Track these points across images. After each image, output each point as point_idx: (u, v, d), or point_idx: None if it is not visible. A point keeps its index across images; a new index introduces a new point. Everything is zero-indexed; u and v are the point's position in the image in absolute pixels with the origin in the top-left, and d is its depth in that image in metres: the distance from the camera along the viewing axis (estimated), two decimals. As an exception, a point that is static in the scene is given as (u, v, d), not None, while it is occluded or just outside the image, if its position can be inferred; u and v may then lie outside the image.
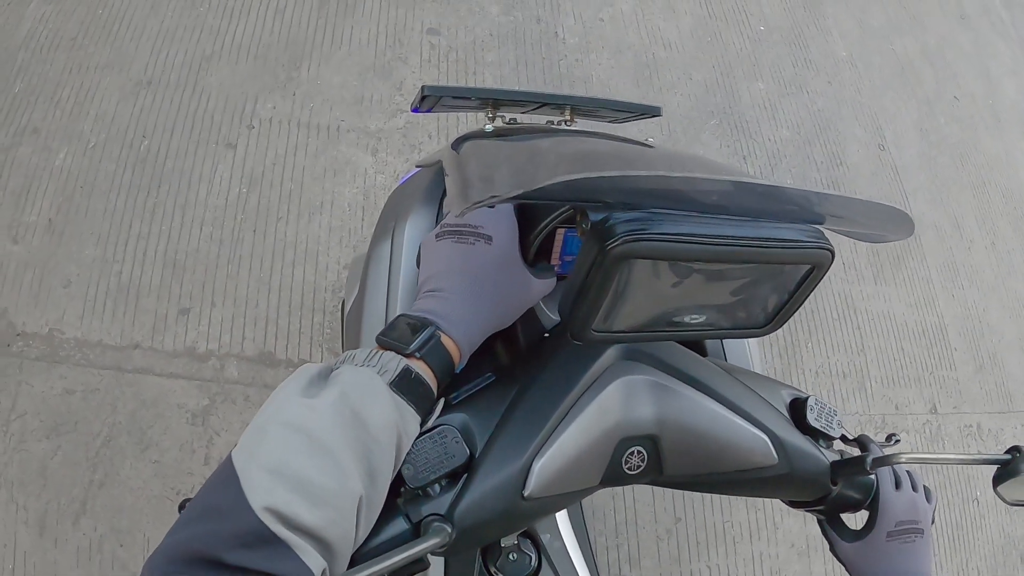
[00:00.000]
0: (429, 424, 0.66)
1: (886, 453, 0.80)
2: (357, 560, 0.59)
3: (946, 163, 2.98)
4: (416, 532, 0.62)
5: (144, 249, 2.02)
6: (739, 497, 2.04)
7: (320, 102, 2.33)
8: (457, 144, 0.78)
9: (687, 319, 0.67)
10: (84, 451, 1.78)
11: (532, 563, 0.92)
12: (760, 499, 2.08)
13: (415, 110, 0.85)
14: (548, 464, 0.68)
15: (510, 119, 0.86)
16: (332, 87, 2.36)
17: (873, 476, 0.85)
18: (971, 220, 2.88)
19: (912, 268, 2.67)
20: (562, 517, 0.99)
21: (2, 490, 1.71)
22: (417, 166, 0.88)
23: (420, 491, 0.64)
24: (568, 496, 0.73)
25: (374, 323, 0.79)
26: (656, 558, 1.96)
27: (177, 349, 1.92)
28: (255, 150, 2.21)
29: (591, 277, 0.59)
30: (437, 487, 0.65)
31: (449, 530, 0.59)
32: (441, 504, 0.64)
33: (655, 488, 2.01)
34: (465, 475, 0.66)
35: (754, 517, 2.08)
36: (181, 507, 0.68)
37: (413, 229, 0.80)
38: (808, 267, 0.65)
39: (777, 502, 2.02)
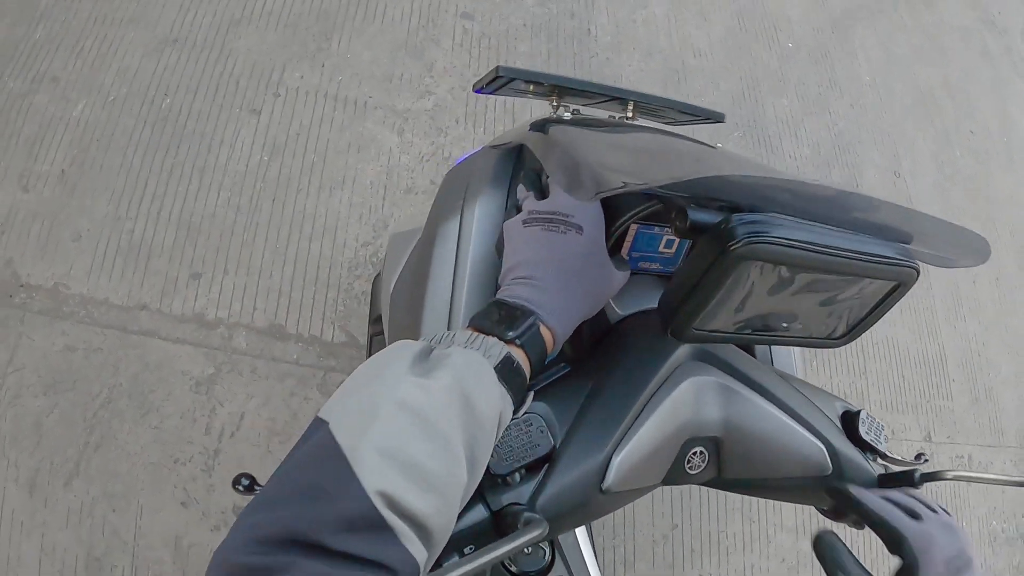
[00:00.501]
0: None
1: (936, 470, 0.81)
2: None
3: (958, 195, 3.00)
4: (495, 520, 0.62)
5: (159, 209, 1.99)
6: (736, 508, 2.06)
7: (349, 76, 2.30)
8: (541, 127, 0.77)
9: (776, 325, 0.69)
10: (82, 411, 1.74)
11: (546, 557, 0.91)
12: (755, 512, 2.10)
13: (478, 91, 0.84)
14: (626, 459, 0.68)
15: (573, 109, 0.86)
16: (362, 62, 2.33)
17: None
18: (978, 255, 2.88)
19: (918, 297, 2.68)
20: None
21: (-7, 444, 1.68)
22: (491, 146, 0.86)
23: (501, 479, 0.63)
24: (634, 492, 0.74)
25: (437, 303, 0.78)
26: (651, 562, 1.96)
27: (185, 314, 1.88)
28: (279, 119, 2.17)
29: (706, 276, 0.60)
30: (518, 476, 0.64)
31: (543, 528, 0.57)
32: (522, 494, 0.64)
33: (653, 493, 2.01)
34: (546, 466, 0.66)
35: (748, 529, 2.08)
36: (237, 483, 0.65)
37: (483, 210, 0.78)
38: (894, 284, 0.67)
39: (772, 517, 2.05)
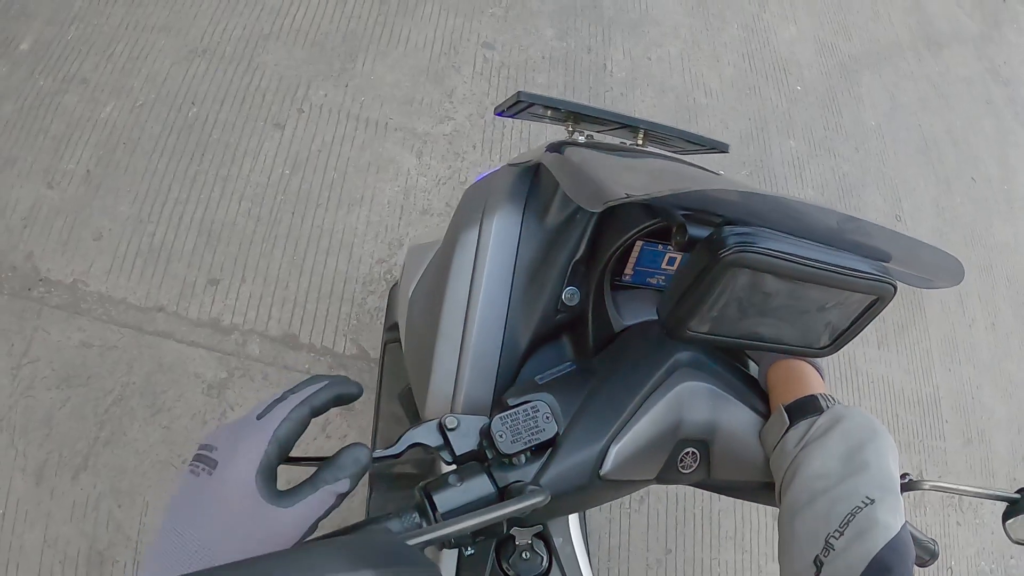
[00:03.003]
0: (523, 398, 0.72)
1: (914, 480, 0.86)
2: (449, 516, 0.63)
3: (958, 241, 3.05)
4: (500, 496, 0.66)
5: (180, 214, 2.03)
6: (729, 536, 2.09)
7: (371, 97, 2.35)
8: (558, 148, 0.83)
9: (764, 331, 0.74)
10: (93, 407, 1.77)
11: (543, 564, 0.96)
12: (748, 541, 2.13)
13: (499, 113, 0.90)
14: (623, 448, 0.74)
15: (587, 135, 0.92)
16: (385, 84, 2.39)
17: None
18: (975, 299, 2.94)
19: (914, 338, 2.72)
20: (573, 523, 1.04)
21: (3, 433, 1.71)
22: (510, 164, 0.92)
23: (508, 459, 0.68)
24: (630, 485, 0.80)
25: (454, 308, 0.83)
26: (644, 586, 1.99)
27: (201, 318, 1.93)
28: (302, 134, 2.23)
29: (698, 281, 0.66)
30: (523, 457, 0.69)
31: (544, 495, 0.63)
32: (526, 473, 0.69)
33: (650, 516, 2.04)
34: (550, 449, 0.71)
35: (740, 558, 2.11)
36: None
37: (501, 223, 0.83)
38: (873, 299, 0.73)
39: (764, 547, 2.08)
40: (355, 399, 0.66)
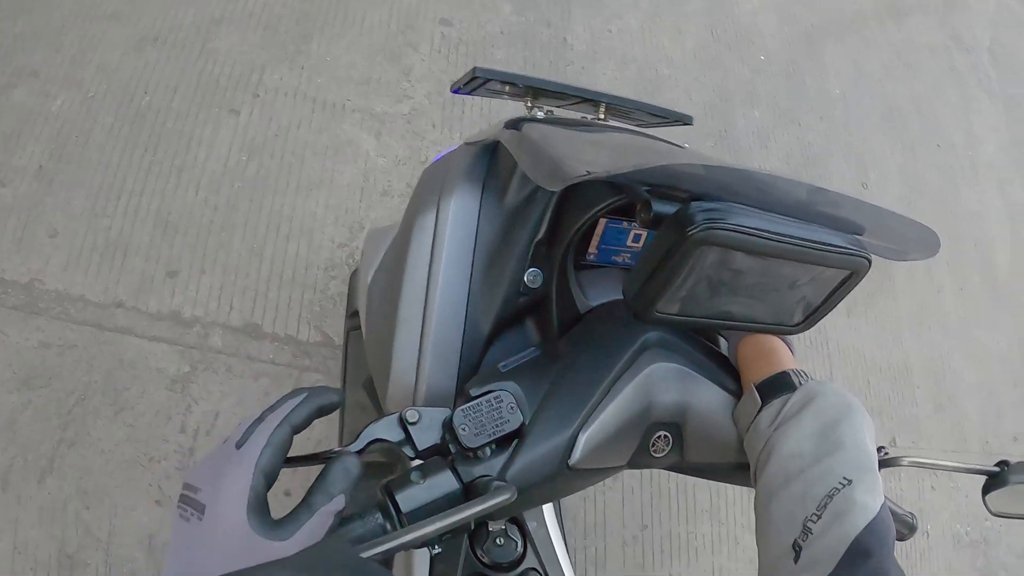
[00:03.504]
0: (486, 388, 0.70)
1: (891, 455, 0.85)
2: (413, 516, 0.60)
3: (924, 208, 3.06)
4: (466, 492, 0.64)
5: (136, 206, 1.99)
6: (705, 510, 2.09)
7: (327, 79, 2.32)
8: (515, 125, 0.80)
9: (735, 310, 0.72)
10: (56, 408, 1.73)
11: (518, 549, 0.94)
12: (723, 514, 2.14)
13: (456, 91, 0.87)
14: (592, 436, 0.72)
15: (547, 110, 0.90)
16: (341, 65, 2.35)
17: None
18: (943, 266, 2.95)
19: (884, 306, 2.73)
20: (547, 507, 1.02)
21: (-35, 439, 1.67)
22: (467, 143, 0.89)
23: (472, 453, 0.66)
24: (601, 472, 0.78)
25: (413, 295, 0.80)
26: (621, 563, 1.98)
27: (161, 312, 1.89)
28: (258, 119, 2.19)
29: (666, 260, 0.63)
30: (488, 450, 0.67)
31: (511, 493, 0.61)
32: (492, 467, 0.67)
33: (624, 493, 2.04)
34: (516, 440, 0.69)
35: (716, 530, 2.11)
36: None
37: (459, 205, 0.80)
38: (847, 273, 0.71)
39: (740, 518, 2.08)
40: (336, 408, 0.63)
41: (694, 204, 0.62)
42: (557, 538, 1.00)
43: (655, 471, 2.06)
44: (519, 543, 0.94)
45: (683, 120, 0.99)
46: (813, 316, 0.76)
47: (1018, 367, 2.91)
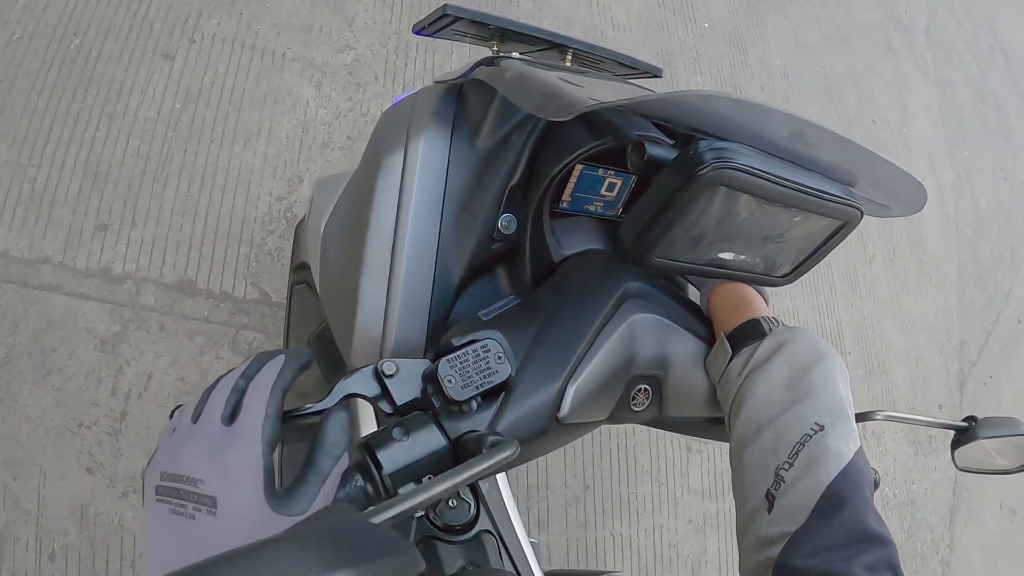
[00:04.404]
0: (470, 337, 0.66)
1: (866, 410, 0.85)
2: (397, 477, 0.57)
3: (859, 181, 3.12)
4: (453, 449, 0.61)
5: (63, 156, 1.89)
6: (646, 471, 2.11)
7: (267, 26, 2.23)
8: (492, 62, 0.78)
9: (729, 258, 0.72)
10: (-23, 372, 1.65)
11: (471, 511, 0.90)
12: (664, 475, 2.16)
13: (418, 32, 0.84)
14: (580, 388, 0.70)
15: (513, 56, 0.87)
16: (281, 12, 2.26)
17: None
18: (874, 236, 3.02)
19: (817, 273, 2.77)
20: None
21: None
22: (436, 81, 0.86)
23: (458, 407, 0.63)
24: (583, 427, 0.75)
25: (379, 239, 0.77)
26: (564, 523, 1.99)
27: (91, 268, 1.81)
28: (194, 66, 2.10)
29: (672, 202, 0.62)
30: (475, 403, 0.64)
31: (515, 447, 0.57)
32: (479, 421, 0.64)
33: (567, 454, 2.04)
34: (504, 393, 0.66)
35: (657, 491, 2.14)
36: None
37: (428, 146, 0.77)
38: (839, 224, 0.71)
39: (680, 479, 2.11)
40: (309, 366, 0.60)
41: (702, 143, 0.61)
42: (509, 499, 0.97)
43: (599, 429, 2.09)
44: (472, 505, 0.90)
45: (652, 72, 0.98)
46: (800, 268, 0.77)
47: (943, 336, 3.01)
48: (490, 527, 0.90)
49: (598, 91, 0.65)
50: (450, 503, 0.89)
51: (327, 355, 1.17)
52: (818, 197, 0.66)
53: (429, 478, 0.58)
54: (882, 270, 2.98)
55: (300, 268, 1.33)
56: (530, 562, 0.90)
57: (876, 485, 0.96)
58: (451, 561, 0.85)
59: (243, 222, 1.96)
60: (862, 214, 0.70)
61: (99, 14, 2.08)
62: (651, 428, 2.06)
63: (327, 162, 2.10)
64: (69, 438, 1.65)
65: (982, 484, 2.80)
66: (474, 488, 0.93)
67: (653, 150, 0.61)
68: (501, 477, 0.99)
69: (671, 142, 0.64)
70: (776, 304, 2.60)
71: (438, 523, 0.87)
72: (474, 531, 0.89)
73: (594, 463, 2.08)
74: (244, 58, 2.17)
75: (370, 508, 0.45)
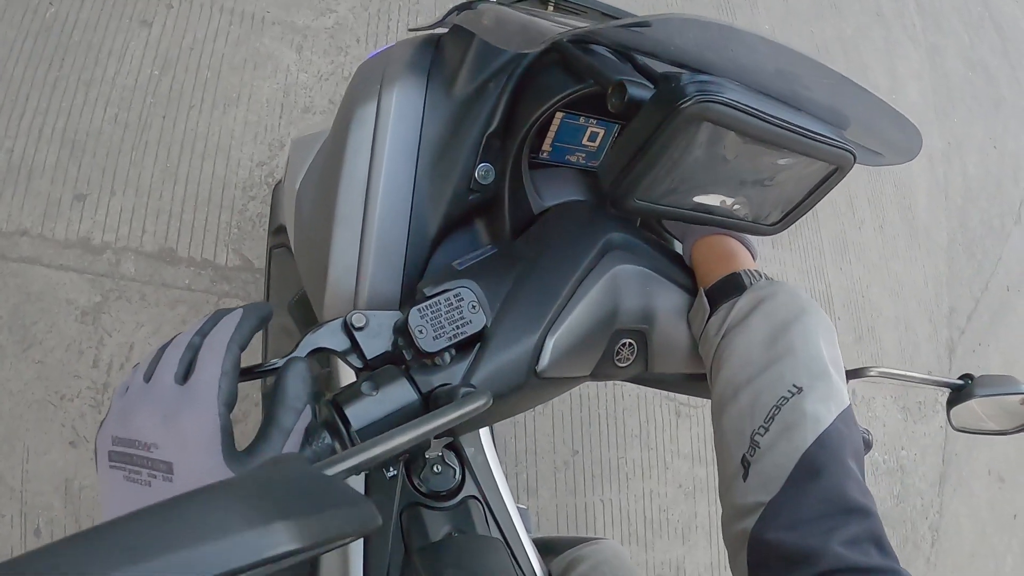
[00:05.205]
0: (443, 287, 0.64)
1: (859, 366, 0.83)
2: (366, 434, 0.55)
3: (848, 147, 3.10)
4: (425, 404, 0.59)
5: (40, 126, 1.87)
6: (635, 435, 2.11)
7: (246, -10, 2.20)
8: (468, 6, 0.76)
9: (715, 203, 0.69)
10: (-43, 350, 1.63)
11: (456, 476, 0.90)
12: (653, 439, 2.16)
13: None
14: (560, 341, 0.68)
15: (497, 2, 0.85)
16: (261, -24, 2.23)
17: None
18: (864, 202, 3.02)
19: (807, 238, 2.78)
20: (484, 433, 0.97)
21: None
22: (410, 30, 0.84)
23: (430, 359, 0.61)
24: (565, 382, 0.74)
25: (352, 190, 0.74)
26: (553, 488, 1.99)
27: (69, 239, 1.79)
28: (172, 31, 2.06)
29: (653, 139, 0.59)
30: (447, 356, 0.62)
31: (487, 397, 0.55)
32: (453, 375, 0.62)
33: (555, 419, 2.04)
34: (478, 344, 0.64)
35: (646, 456, 2.13)
36: None
37: (402, 95, 0.75)
38: (831, 169, 0.68)
39: (669, 444, 2.11)
40: (270, 319, 0.58)
41: (685, 75, 0.58)
42: (496, 465, 0.96)
43: (587, 393, 2.08)
44: (457, 470, 0.90)
45: (641, 23, 0.96)
46: (790, 215, 0.74)
47: (932, 303, 3.01)
48: (476, 493, 0.89)
49: (579, 23, 0.63)
50: (435, 469, 0.88)
51: (308, 320, 1.15)
52: (808, 138, 0.63)
53: None
54: (871, 235, 2.97)
55: (278, 231, 1.31)
56: (517, 527, 0.90)
57: (869, 447, 0.94)
58: (437, 527, 0.84)
59: (224, 188, 1.93)
60: (855, 158, 0.68)
61: (74, -20, 2.05)
62: (640, 390, 2.05)
63: (308, 126, 2.07)
64: (51, 412, 1.64)
65: (971, 451, 2.80)
66: (460, 454, 0.92)
67: (635, 91, 0.59)
68: (487, 442, 0.97)
69: (655, 83, 0.62)
70: (764, 269, 2.59)
71: (423, 489, 0.87)
72: (460, 497, 0.88)
73: (583, 428, 2.07)
74: (223, 23, 2.13)
75: (322, 460, 0.43)
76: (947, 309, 3.06)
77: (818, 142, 0.64)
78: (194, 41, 2.08)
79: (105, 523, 0.28)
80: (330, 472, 0.41)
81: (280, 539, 0.29)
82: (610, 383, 2.02)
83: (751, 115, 0.59)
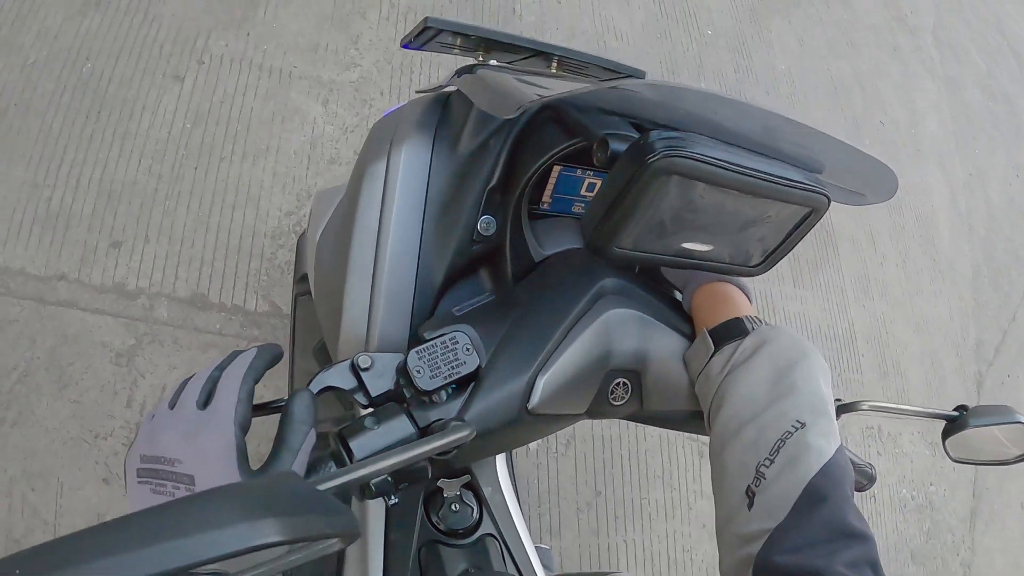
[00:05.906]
0: (440, 331, 0.68)
1: (849, 401, 0.85)
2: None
3: (868, 182, 3.10)
4: (422, 436, 0.63)
5: (78, 176, 1.94)
6: (658, 476, 2.11)
7: (274, 46, 2.28)
8: (469, 70, 0.81)
9: (694, 248, 0.72)
10: (-3, 386, 1.69)
11: (473, 515, 0.92)
12: (676, 479, 2.16)
13: (406, 45, 0.87)
14: (551, 380, 0.71)
15: (499, 65, 0.89)
16: (288, 32, 2.31)
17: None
18: (885, 237, 3.02)
19: (828, 275, 2.78)
20: (502, 472, 1.00)
21: (-96, 419, 1.61)
22: (418, 91, 0.89)
23: (427, 397, 0.65)
24: (559, 419, 0.77)
25: (364, 241, 0.79)
26: (576, 529, 2.00)
27: (105, 284, 1.85)
28: (203, 86, 2.14)
29: (625, 192, 0.63)
30: (444, 394, 0.66)
31: (470, 430, 0.60)
32: (448, 411, 0.66)
33: (577, 460, 2.05)
34: (473, 383, 0.68)
35: (669, 496, 2.14)
36: None
37: (410, 152, 0.80)
38: (806, 211, 0.71)
39: (692, 484, 2.11)
40: (280, 358, 0.65)
41: (654, 132, 0.62)
42: (513, 503, 0.98)
43: (609, 434, 2.10)
44: (475, 509, 0.93)
45: (636, 75, 0.99)
46: (771, 257, 0.77)
47: (958, 336, 2.99)
48: (493, 531, 0.92)
49: (556, 90, 0.67)
50: (453, 507, 0.91)
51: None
52: (780, 184, 0.66)
53: None
54: (894, 272, 2.97)
55: (302, 280, 1.36)
56: (533, 564, 0.92)
57: (872, 480, 0.97)
58: (454, 565, 0.87)
59: (253, 237, 1.99)
60: (829, 200, 0.70)
61: (110, 38, 2.13)
62: (663, 432, 2.06)
63: (334, 177, 2.14)
64: (86, 449, 1.68)
65: (1003, 483, 2.77)
66: (477, 493, 0.94)
67: (616, 145, 0.63)
68: (505, 482, 1.00)
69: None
70: (785, 307, 2.61)
71: (442, 527, 0.90)
72: (477, 535, 0.91)
73: (605, 469, 2.09)
74: (252, 78, 2.21)
75: (315, 476, 0.49)
76: (974, 342, 3.04)
77: (789, 187, 0.67)
78: (224, 95, 2.16)
79: (126, 515, 0.34)
80: (321, 487, 0.48)
81: (267, 531, 0.34)
82: (632, 425, 2.04)
83: (717, 167, 0.63)
